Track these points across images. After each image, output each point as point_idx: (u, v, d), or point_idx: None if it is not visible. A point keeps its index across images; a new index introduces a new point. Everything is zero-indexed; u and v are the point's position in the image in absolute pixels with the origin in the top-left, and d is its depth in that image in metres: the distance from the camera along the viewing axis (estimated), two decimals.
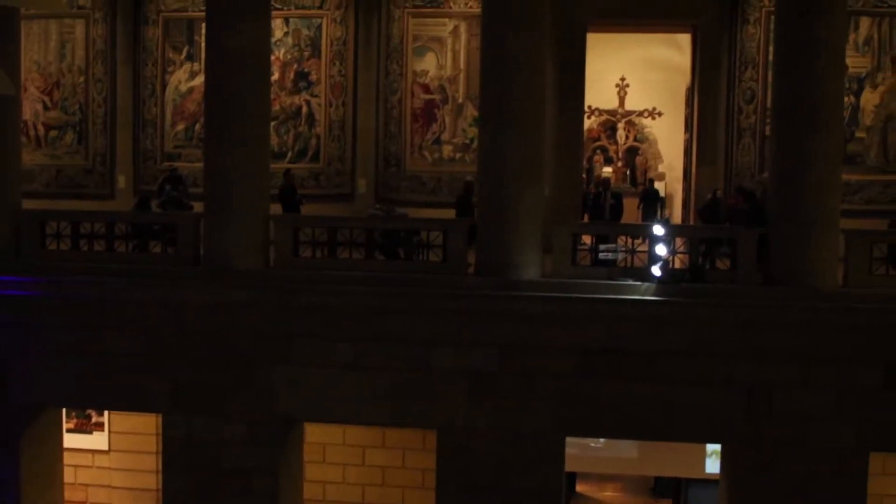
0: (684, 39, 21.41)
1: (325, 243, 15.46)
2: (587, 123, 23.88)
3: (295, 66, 20.49)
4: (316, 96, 20.43)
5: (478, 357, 14.35)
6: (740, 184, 18.33)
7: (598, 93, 24.17)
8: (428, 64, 20.28)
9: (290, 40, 20.57)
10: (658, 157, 25.64)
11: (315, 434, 16.76)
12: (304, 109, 20.48)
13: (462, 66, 20.10)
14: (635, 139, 25.66)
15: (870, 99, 19.61)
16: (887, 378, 13.96)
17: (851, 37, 19.03)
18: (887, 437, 14.08)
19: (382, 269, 15.13)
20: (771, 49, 17.03)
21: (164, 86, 21.03)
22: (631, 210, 19.26)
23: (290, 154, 20.49)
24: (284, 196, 17.53)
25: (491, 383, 14.39)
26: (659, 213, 19.63)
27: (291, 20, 20.57)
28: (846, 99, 18.26)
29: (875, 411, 14.02)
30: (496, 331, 14.25)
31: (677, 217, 21.95)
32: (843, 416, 14.00)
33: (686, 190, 21.00)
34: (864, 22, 19.40)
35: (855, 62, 19.30)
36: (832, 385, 13.98)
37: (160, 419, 15.66)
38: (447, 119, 20.29)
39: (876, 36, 19.47)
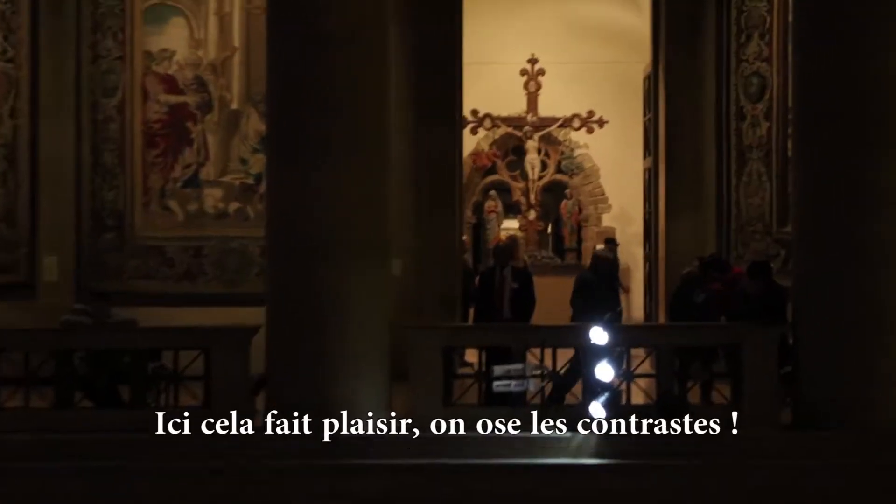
0: None
1: None
2: (472, 142, 20.36)
3: None
4: None
5: None
6: (750, 249, 14.81)
7: (492, 86, 19.87)
8: (173, 39, 15.26)
9: None
10: (603, 200, 21.15)
11: None
12: None
13: (238, 41, 15.10)
14: (560, 169, 21.16)
15: None
16: None
17: None
18: None
19: (88, 426, 11.67)
20: None
21: None
22: (553, 296, 14.64)
23: None
24: None
25: None
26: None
27: None
28: None
29: None
30: None
31: (637, 307, 18.30)
32: None
33: (651, 259, 16.62)
34: None
35: None
36: None
37: None
38: (211, 140, 15.29)
39: None
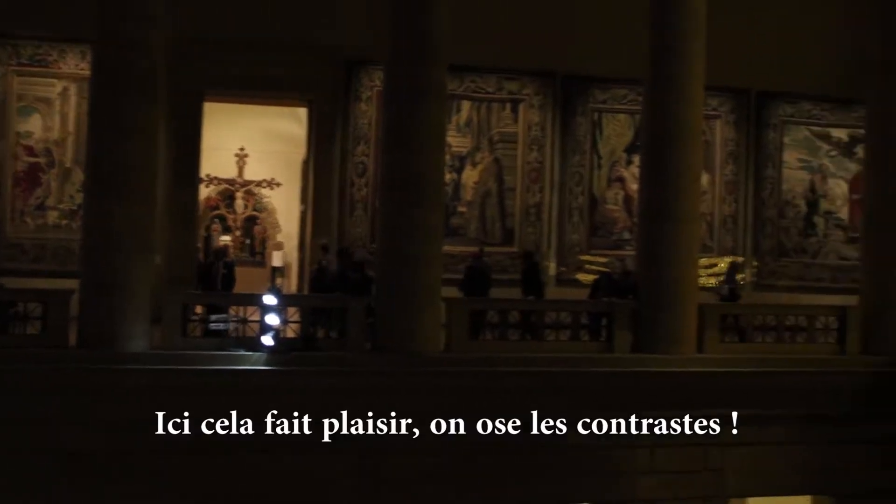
0: (303, 113, 21.48)
1: None
2: (206, 192, 23.67)
3: None
4: None
5: (76, 436, 13.41)
6: (346, 248, 18.37)
7: (218, 161, 23.81)
8: (33, 125, 19.20)
9: None
10: (277, 226, 25.31)
11: None
12: None
13: (71, 128, 19.26)
14: (254, 209, 25.26)
15: (470, 176, 20.96)
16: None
17: (454, 118, 20.39)
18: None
19: None
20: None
21: None
22: (246, 279, 18.94)
23: None
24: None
25: (92, 464, 13.55)
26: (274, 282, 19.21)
27: None
28: (448, 175, 19.34)
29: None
30: (98, 407, 13.42)
31: (294, 287, 21.74)
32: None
33: (302, 260, 21.03)
34: (466, 105, 20.84)
35: (457, 142, 20.61)
36: (442, 446, 14.49)
37: None
38: (53, 184, 19.35)
39: (476, 118, 20.88)
